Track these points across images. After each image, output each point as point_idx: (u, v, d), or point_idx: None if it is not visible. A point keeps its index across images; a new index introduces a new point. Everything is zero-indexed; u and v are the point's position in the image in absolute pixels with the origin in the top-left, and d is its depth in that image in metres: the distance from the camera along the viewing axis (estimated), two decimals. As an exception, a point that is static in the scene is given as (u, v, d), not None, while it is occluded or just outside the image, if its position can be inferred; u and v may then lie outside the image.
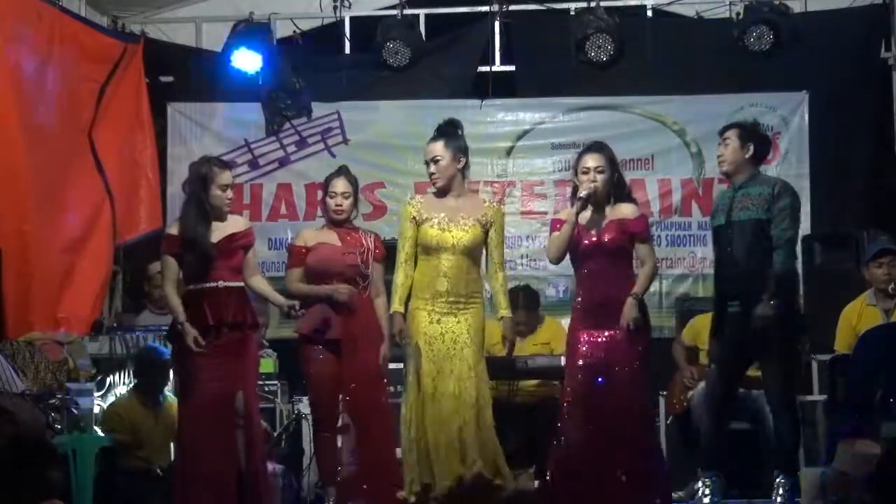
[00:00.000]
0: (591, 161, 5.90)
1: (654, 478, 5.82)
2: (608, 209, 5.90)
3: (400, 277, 5.94)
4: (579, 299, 5.96)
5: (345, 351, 6.13)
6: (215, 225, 5.91)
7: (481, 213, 5.92)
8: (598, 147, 6.02)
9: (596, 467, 5.71)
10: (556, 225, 6.00)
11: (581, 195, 5.82)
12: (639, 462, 5.74)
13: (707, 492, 6.00)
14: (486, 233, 5.94)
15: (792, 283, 6.13)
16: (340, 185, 6.29)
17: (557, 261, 6.07)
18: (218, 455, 5.77)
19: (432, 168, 5.96)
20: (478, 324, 5.90)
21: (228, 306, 5.85)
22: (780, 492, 5.95)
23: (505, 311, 5.98)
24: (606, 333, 5.82)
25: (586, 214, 5.88)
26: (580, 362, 5.84)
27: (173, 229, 5.99)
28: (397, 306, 5.91)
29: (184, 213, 5.97)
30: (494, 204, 6.11)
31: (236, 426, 5.82)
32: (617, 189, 5.95)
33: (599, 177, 5.86)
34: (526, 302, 7.47)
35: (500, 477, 5.77)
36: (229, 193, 5.95)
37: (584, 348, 5.83)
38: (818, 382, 7.66)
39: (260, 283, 6.08)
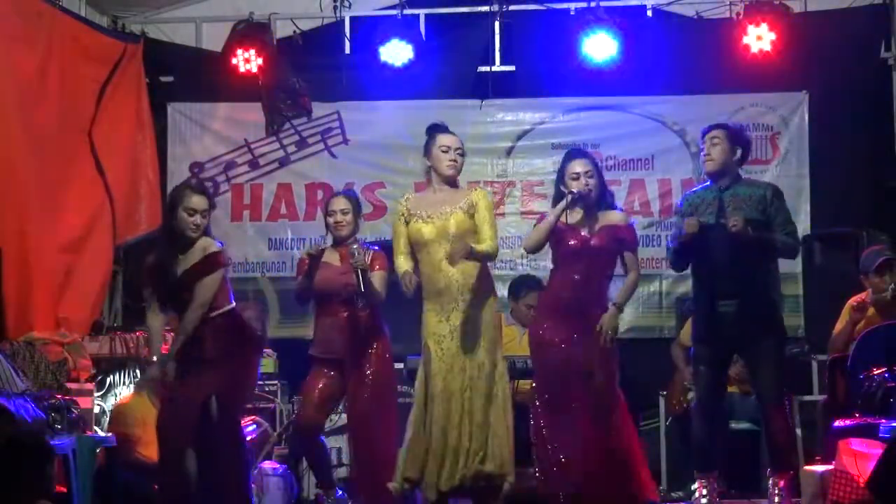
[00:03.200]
0: (580, 166, 5.94)
1: (636, 475, 5.84)
2: (599, 215, 5.93)
3: (401, 260, 6.01)
4: (550, 296, 5.98)
5: (348, 367, 6.18)
6: (185, 255, 5.75)
7: (463, 201, 5.94)
8: (582, 153, 6.12)
9: (581, 469, 5.73)
10: (543, 219, 6.02)
11: (574, 191, 5.80)
12: (620, 462, 5.77)
13: (704, 492, 6.00)
14: (472, 218, 5.94)
15: (776, 284, 6.18)
16: (339, 202, 6.39)
17: (533, 250, 6.11)
18: (173, 475, 5.73)
19: (452, 155, 5.99)
20: (488, 319, 5.90)
21: (196, 342, 5.69)
22: (776, 491, 5.96)
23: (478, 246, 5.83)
24: (576, 336, 5.82)
25: (575, 216, 5.88)
26: (553, 361, 5.84)
27: (150, 258, 5.89)
28: (408, 268, 5.93)
29: (159, 238, 5.91)
30: (477, 189, 6.10)
31: (204, 455, 5.71)
32: (604, 195, 5.98)
33: (590, 181, 5.89)
34: (537, 286, 7.46)
35: (507, 472, 5.79)
36: (197, 219, 5.73)
37: (556, 348, 5.83)
38: (818, 382, 7.66)
39: (185, 317, 5.70)
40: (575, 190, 5.83)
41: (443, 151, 6.02)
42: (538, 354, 5.98)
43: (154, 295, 5.83)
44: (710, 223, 6.07)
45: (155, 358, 5.80)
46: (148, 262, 5.87)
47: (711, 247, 6.03)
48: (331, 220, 6.37)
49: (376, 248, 6.41)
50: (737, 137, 6.21)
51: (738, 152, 6.19)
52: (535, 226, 6.07)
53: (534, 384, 6.09)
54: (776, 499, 5.97)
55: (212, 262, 5.74)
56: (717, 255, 6.03)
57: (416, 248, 5.97)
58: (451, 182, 6.03)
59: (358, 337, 6.20)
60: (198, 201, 5.76)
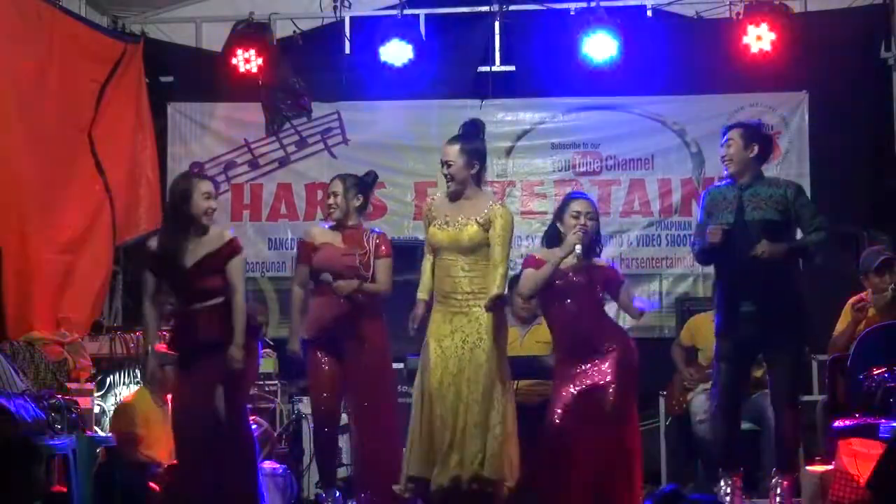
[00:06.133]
0: (582, 206, 5.88)
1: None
2: (592, 261, 5.88)
3: (425, 265, 5.99)
4: (557, 335, 5.93)
5: (347, 351, 6.15)
6: (195, 243, 5.80)
7: (481, 214, 5.90)
8: (584, 195, 6.09)
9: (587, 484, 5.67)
10: (531, 261, 5.96)
11: (577, 250, 5.73)
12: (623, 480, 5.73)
13: (729, 491, 6.00)
14: (487, 231, 5.92)
15: (800, 283, 6.17)
16: (333, 185, 6.38)
17: (529, 297, 6.13)
18: (192, 470, 5.75)
19: (444, 170, 5.97)
20: (491, 323, 5.85)
21: (210, 327, 5.77)
22: (778, 491, 5.97)
23: (495, 288, 5.80)
24: (590, 365, 5.77)
25: (568, 259, 5.83)
26: (572, 390, 5.76)
27: (153, 243, 5.92)
28: (421, 294, 5.94)
29: (163, 228, 5.93)
30: (498, 204, 6.07)
31: (218, 441, 5.75)
32: (595, 242, 5.94)
33: (590, 223, 5.84)
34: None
35: (505, 477, 5.76)
36: (212, 203, 5.82)
37: (573, 379, 5.77)
38: (818, 382, 7.66)
39: (234, 304, 5.81)
40: (576, 236, 5.76)
41: (441, 165, 6.01)
42: (560, 389, 5.85)
43: (156, 283, 5.85)
44: (730, 222, 6.04)
45: (150, 349, 5.83)
46: (153, 250, 5.87)
47: (732, 247, 6.01)
48: (326, 201, 6.42)
49: (379, 233, 6.41)
50: (752, 135, 6.18)
51: (755, 149, 6.13)
52: (525, 271, 5.97)
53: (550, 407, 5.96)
54: (777, 499, 5.97)
55: (236, 246, 5.87)
56: (737, 256, 6.00)
57: (431, 250, 5.98)
58: (467, 188, 5.98)
59: (355, 322, 6.16)
60: (209, 186, 5.87)
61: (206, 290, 5.79)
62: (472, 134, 6.01)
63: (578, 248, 5.74)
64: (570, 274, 5.85)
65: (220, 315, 5.79)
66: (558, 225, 5.92)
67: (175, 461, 5.98)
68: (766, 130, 6.57)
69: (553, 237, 5.95)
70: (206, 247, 5.80)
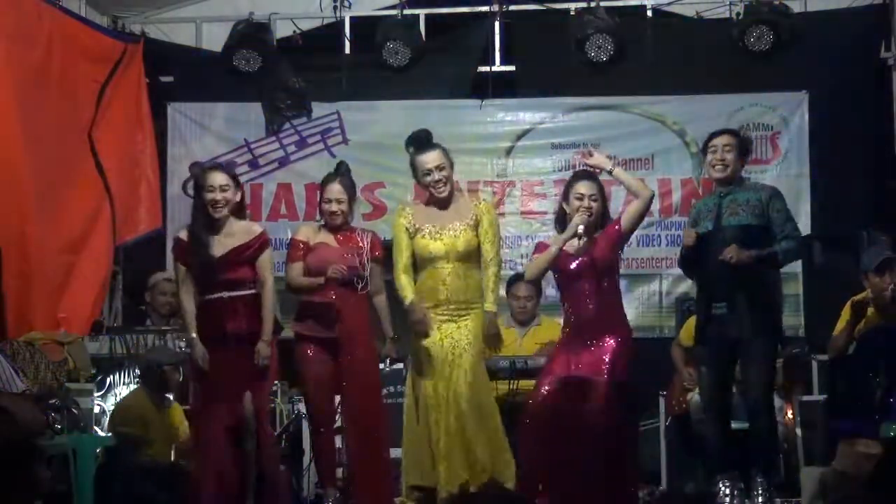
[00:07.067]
0: (586, 188, 5.84)
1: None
2: (595, 237, 5.86)
3: (404, 279, 5.99)
4: (569, 321, 5.87)
5: (339, 350, 6.14)
6: (223, 234, 5.88)
7: (470, 216, 5.92)
8: (589, 175, 5.99)
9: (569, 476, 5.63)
10: (541, 248, 5.98)
11: (579, 230, 5.71)
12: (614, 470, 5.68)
13: (727, 493, 5.99)
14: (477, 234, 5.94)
15: (775, 286, 6.22)
16: (334, 191, 6.28)
17: (535, 280, 6.13)
18: (226, 462, 5.77)
19: (437, 176, 5.94)
20: (478, 329, 5.90)
21: (237, 317, 5.83)
22: (759, 490, 5.95)
23: (489, 305, 5.94)
24: (586, 360, 5.70)
25: (574, 242, 5.82)
26: (553, 378, 5.73)
27: (183, 234, 5.96)
28: (414, 297, 5.93)
29: (192, 220, 5.95)
30: (482, 203, 6.09)
31: (247, 432, 5.81)
32: (605, 220, 5.92)
33: (594, 205, 5.82)
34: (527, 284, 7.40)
35: (507, 479, 5.76)
36: (217, 195, 5.87)
37: (562, 367, 5.74)
38: (818, 382, 7.66)
39: (264, 298, 5.90)
40: (580, 219, 5.76)
41: (425, 175, 5.98)
42: (545, 367, 5.87)
43: (189, 273, 5.88)
44: (709, 229, 6.07)
45: (194, 335, 5.82)
46: (182, 240, 5.92)
47: (708, 252, 6.04)
48: (326, 207, 6.30)
49: (371, 233, 6.41)
50: (746, 146, 6.28)
51: (745, 159, 6.27)
52: (533, 257, 6.00)
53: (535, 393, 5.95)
54: (760, 499, 5.93)
55: (265, 241, 5.96)
56: (712, 260, 6.04)
57: (420, 262, 5.97)
58: (451, 198, 5.98)
59: (348, 323, 6.16)
60: (216, 179, 5.89)
61: (233, 280, 5.84)
62: (434, 141, 6.05)
63: (581, 228, 5.73)
64: (584, 253, 5.77)
65: (246, 305, 5.85)
66: (564, 205, 5.90)
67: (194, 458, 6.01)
68: (751, 139, 6.79)
69: (560, 218, 5.94)
70: (236, 239, 5.88)
